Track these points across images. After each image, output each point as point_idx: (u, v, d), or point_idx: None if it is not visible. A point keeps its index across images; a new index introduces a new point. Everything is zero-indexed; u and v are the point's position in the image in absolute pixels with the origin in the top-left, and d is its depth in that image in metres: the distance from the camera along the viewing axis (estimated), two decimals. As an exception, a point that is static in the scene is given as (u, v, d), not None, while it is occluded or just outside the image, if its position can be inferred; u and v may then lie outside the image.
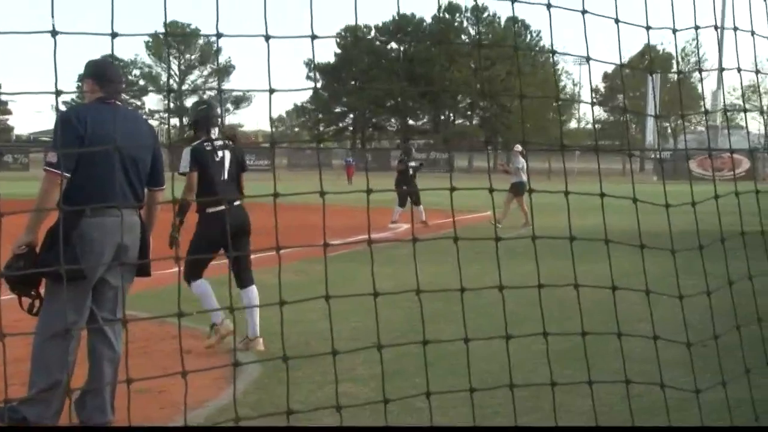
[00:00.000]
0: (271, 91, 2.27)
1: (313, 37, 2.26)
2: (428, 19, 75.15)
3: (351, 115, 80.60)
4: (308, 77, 79.72)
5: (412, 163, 17.20)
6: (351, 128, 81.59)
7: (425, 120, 79.83)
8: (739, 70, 3.04)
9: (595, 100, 77.09)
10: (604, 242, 2.85)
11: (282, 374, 4.88)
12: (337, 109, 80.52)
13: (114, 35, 2.20)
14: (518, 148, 17.19)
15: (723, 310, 3.40)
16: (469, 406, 2.88)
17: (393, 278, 8.78)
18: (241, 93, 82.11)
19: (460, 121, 77.69)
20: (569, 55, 2.77)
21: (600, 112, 75.64)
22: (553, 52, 2.76)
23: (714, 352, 3.14)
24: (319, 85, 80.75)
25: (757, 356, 3.33)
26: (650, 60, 51.98)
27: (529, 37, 75.96)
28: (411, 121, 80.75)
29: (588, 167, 50.81)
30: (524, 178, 16.27)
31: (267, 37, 2.22)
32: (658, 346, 3.12)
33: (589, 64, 2.75)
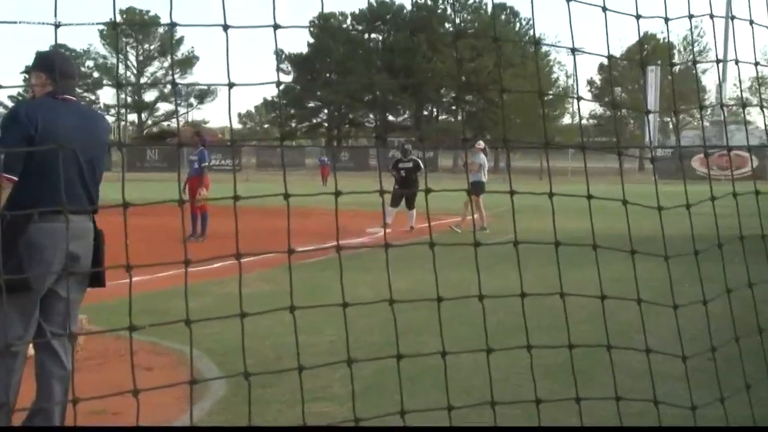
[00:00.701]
0: (230, 85, 2.28)
1: (276, 27, 2.28)
2: (408, 6, 75.45)
3: (325, 111, 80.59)
4: (279, 69, 79.69)
5: (405, 164, 17.09)
6: (326, 124, 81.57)
7: (406, 115, 79.97)
8: (737, 62, 3.09)
9: (590, 93, 77.39)
10: (592, 248, 2.89)
11: (252, 392, 4.87)
12: (311, 104, 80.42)
13: (57, 25, 2.18)
14: (480, 144, 17.28)
15: (722, 319, 3.45)
16: (458, 423, 2.90)
17: (372, 287, 8.82)
18: (204, 86, 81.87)
19: (444, 116, 77.92)
20: (555, 46, 2.82)
21: (596, 107, 76.21)
22: (537, 43, 2.80)
23: (714, 365, 3.19)
24: (290, 78, 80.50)
25: (759, 369, 3.38)
26: (645, 52, 52.55)
27: (518, 25, 76.42)
28: (391, 117, 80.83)
29: (579, 166, 51.12)
30: (483, 177, 16.33)
31: (225, 27, 2.22)
32: (657, 359, 3.17)
33: (574, 56, 2.79)
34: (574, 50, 2.87)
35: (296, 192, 2.45)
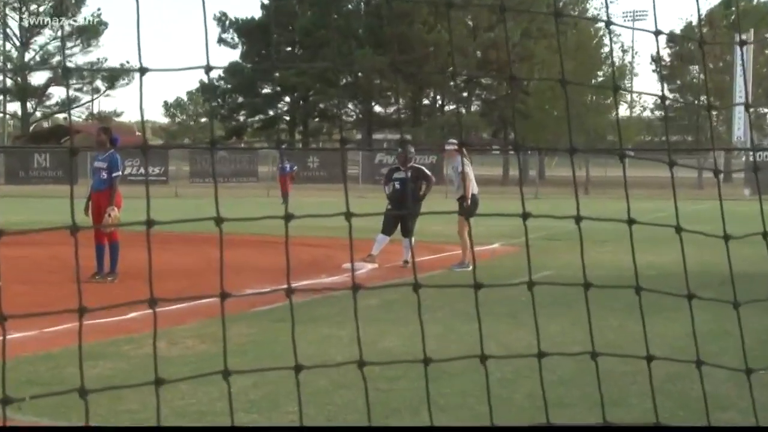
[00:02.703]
0: (142, 70, 2.28)
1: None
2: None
3: (286, 99, 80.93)
4: (222, 41, 79.99)
5: (399, 174, 16.92)
6: (287, 118, 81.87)
7: (400, 105, 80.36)
8: None
9: (655, 74, 77.94)
10: (635, 290, 2.91)
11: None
12: (266, 90, 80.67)
13: None
14: (450, 144, 17.04)
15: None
16: None
17: (351, 345, 8.83)
18: (114, 67, 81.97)
19: (452, 107, 78.30)
20: (584, 18, 2.84)
21: (666, 92, 76.75)
22: (557, 15, 2.81)
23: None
24: (236, 53, 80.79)
25: None
26: (733, 17, 52.80)
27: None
28: (378, 108, 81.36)
29: (644, 176, 51.54)
30: (472, 189, 16.22)
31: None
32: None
33: (609, 31, 2.82)
34: (608, 24, 2.90)
35: (237, 213, 2.45)
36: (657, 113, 76.04)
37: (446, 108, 78.06)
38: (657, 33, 3.02)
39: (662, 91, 3.23)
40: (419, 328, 2.70)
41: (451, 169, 16.28)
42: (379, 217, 16.79)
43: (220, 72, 77.33)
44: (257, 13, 78.87)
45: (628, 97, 69.14)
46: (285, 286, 2.54)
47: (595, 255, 16.77)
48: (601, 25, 68.36)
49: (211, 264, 15.74)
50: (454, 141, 17.09)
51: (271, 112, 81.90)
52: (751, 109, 67.34)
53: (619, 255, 16.41)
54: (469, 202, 15.77)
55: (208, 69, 2.32)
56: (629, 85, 66.32)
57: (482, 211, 16.27)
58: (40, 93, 78.87)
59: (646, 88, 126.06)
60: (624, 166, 3.00)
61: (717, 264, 14.74)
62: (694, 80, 74.41)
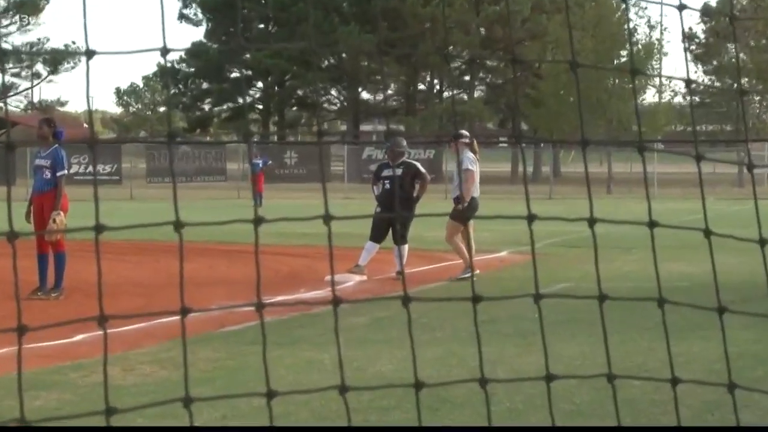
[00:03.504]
0: (89, 54, 2.27)
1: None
2: None
3: (259, 84, 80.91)
4: (183, 17, 79.92)
5: (389, 171, 16.81)
6: (259, 106, 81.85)
7: (390, 91, 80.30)
8: None
9: (688, 53, 78.37)
10: (657, 304, 2.91)
11: None
12: (236, 74, 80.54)
13: None
14: (464, 137, 16.80)
15: None
16: None
17: (334, 369, 8.83)
18: (51, 48, 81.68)
19: (452, 92, 78.32)
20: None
21: (699, 75, 76.74)
22: None
23: None
24: (200, 31, 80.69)
25: None
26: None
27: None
28: (366, 94, 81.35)
29: (678, 171, 51.70)
30: (475, 190, 16.15)
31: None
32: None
33: (626, 4, 2.81)
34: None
35: (202, 217, 2.45)
36: (690, 99, 76.08)
37: (445, 94, 78.07)
38: (681, 8, 3.02)
39: (687, 73, 3.23)
40: (415, 350, 2.70)
41: (457, 165, 16.29)
42: (367, 222, 16.77)
43: (181, 54, 77.24)
44: (224, -15, 78.68)
45: (657, 80, 69.14)
46: (252, 302, 2.55)
47: (620, 264, 16.79)
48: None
49: (171, 277, 15.70)
50: (465, 133, 16.97)
51: (241, 100, 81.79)
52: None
53: (648, 264, 16.39)
54: (467, 204, 15.72)
55: (166, 51, 2.31)
56: (657, 66, 66.10)
57: (484, 214, 16.27)
58: (-29, 79, 78.49)
59: (678, 70, 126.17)
60: (644, 160, 2.98)
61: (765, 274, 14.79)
62: (733, 60, 74.51)
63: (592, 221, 2.78)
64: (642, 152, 2.94)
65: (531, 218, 2.73)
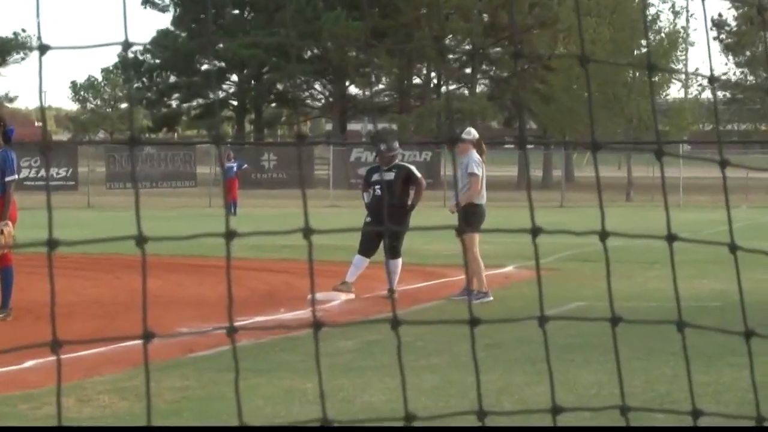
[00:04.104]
0: (42, 48, 2.27)
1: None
2: None
3: (233, 78, 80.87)
4: (148, 2, 79.89)
5: (378, 176, 16.74)
6: (234, 103, 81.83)
7: (382, 86, 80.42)
8: None
9: (718, 43, 78.37)
10: (677, 327, 2.93)
11: None
12: (207, 66, 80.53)
13: None
14: (469, 134, 16.82)
15: None
16: None
17: (317, 400, 8.83)
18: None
19: (451, 86, 78.33)
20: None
21: (730, 67, 76.61)
22: None
23: None
24: (167, 18, 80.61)
25: None
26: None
27: None
28: (354, 89, 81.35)
29: (701, 176, 51.70)
30: (481, 197, 16.09)
31: None
32: None
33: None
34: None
35: (169, 229, 2.45)
36: (721, 94, 76.13)
37: (443, 89, 78.02)
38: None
39: (710, 69, 3.22)
40: (409, 378, 2.70)
41: (461, 169, 16.13)
42: (355, 233, 16.76)
43: (146, 43, 77.19)
44: (194, -34, 78.71)
45: (684, 73, 69.18)
46: (222, 325, 2.54)
47: (642, 281, 16.79)
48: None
49: (134, 295, 15.71)
50: (473, 131, 16.95)
51: (212, 96, 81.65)
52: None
53: (671, 280, 16.39)
54: (471, 211, 15.71)
55: (128, 45, 2.31)
56: (683, 57, 66.22)
57: (485, 224, 16.25)
58: None
59: (706, 62, 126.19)
60: (662, 166, 2.97)
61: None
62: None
63: (603, 234, 2.76)
64: (660, 156, 2.92)
65: (535, 232, 2.71)
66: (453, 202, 16.07)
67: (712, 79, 3.21)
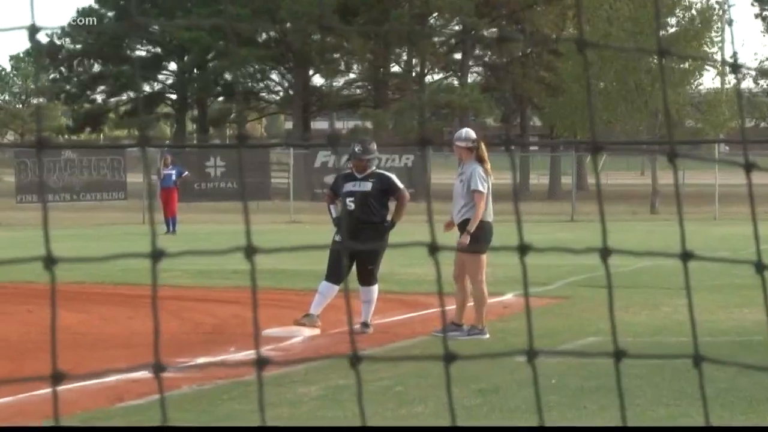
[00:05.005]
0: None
1: None
2: None
3: (172, 66, 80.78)
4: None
5: (355, 186, 16.62)
6: (172, 96, 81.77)
7: (353, 75, 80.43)
8: None
9: (761, 21, 78.99)
10: (693, 362, 2.90)
11: None
12: (139, 52, 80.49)
13: None
14: (466, 135, 16.63)
15: None
16: None
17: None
18: None
19: (437, 75, 78.47)
20: None
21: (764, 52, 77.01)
22: None
23: None
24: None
25: None
26: None
27: None
28: (318, 79, 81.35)
29: (742, 183, 51.62)
30: (488, 215, 16.06)
31: None
32: None
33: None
34: None
35: (88, 250, 2.44)
36: (763, 83, 76.40)
37: (428, 78, 78.16)
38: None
39: (733, 52, 3.22)
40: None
41: (462, 182, 16.06)
42: (322, 255, 16.78)
43: (63, 26, 77.34)
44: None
45: (719, 57, 69.19)
46: (146, 365, 2.52)
47: (670, 311, 16.80)
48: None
49: (44, 332, 15.67)
50: (471, 133, 16.78)
51: (147, 88, 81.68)
52: None
53: (708, 309, 16.43)
54: (489, 229, 15.79)
55: (34, 30, 2.30)
56: (718, 38, 66.17)
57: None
58: None
59: (747, 43, 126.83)
60: (675, 170, 2.95)
61: None
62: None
63: (604, 252, 2.72)
64: (673, 159, 2.87)
65: (523, 249, 2.69)
66: (460, 219, 15.97)
67: (735, 67, 3.21)
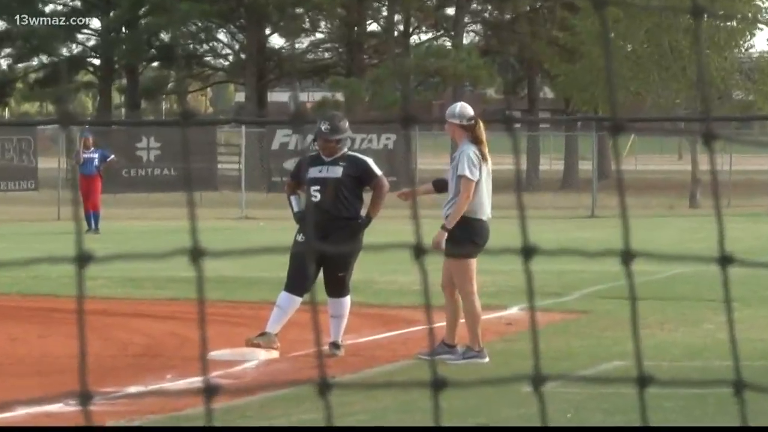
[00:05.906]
0: None
1: None
2: None
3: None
4: None
5: (320, 171, 16.67)
6: (95, 62, 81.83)
7: (321, 35, 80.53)
8: None
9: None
10: (734, 390, 2.92)
11: None
12: (53, 6, 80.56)
13: None
14: (460, 111, 16.67)
15: None
16: None
17: None
18: None
19: (425, 36, 78.57)
20: None
21: None
22: None
23: None
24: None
25: None
26: None
27: None
28: (277, 40, 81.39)
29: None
30: (482, 213, 16.11)
31: None
32: None
33: None
34: None
35: None
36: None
37: (414, 39, 78.33)
38: None
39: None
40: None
41: (451, 167, 16.12)
42: (281, 260, 16.82)
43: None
44: None
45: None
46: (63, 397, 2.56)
47: (713, 328, 16.85)
48: None
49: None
50: (467, 108, 16.82)
51: (64, 52, 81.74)
52: None
53: (760, 326, 16.50)
54: (455, 229, 15.80)
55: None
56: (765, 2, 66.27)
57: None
58: None
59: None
60: (712, 155, 2.94)
61: None
62: None
63: (626, 256, 2.73)
64: (709, 141, 2.87)
65: (528, 252, 2.70)
66: (446, 212, 15.97)
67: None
